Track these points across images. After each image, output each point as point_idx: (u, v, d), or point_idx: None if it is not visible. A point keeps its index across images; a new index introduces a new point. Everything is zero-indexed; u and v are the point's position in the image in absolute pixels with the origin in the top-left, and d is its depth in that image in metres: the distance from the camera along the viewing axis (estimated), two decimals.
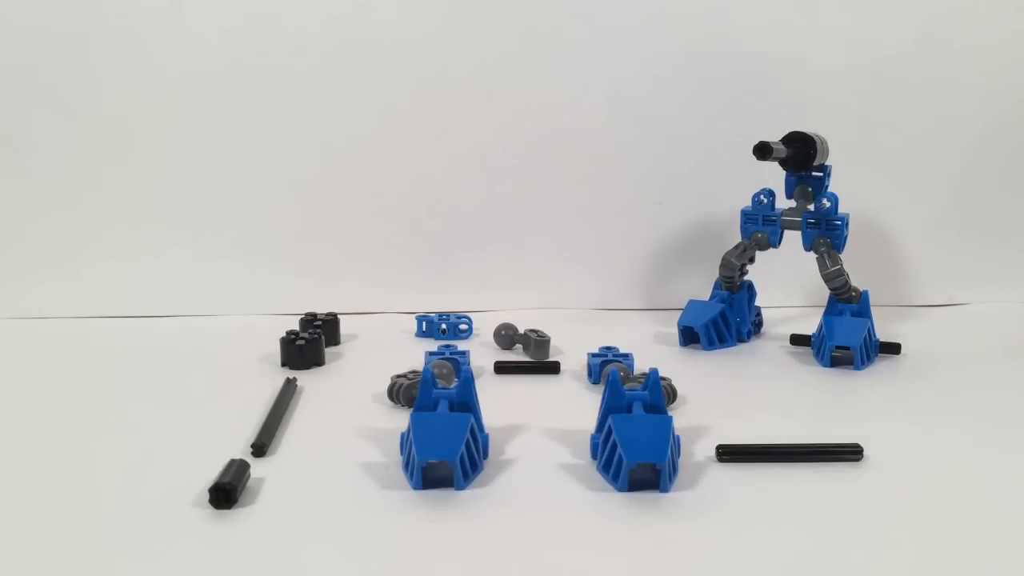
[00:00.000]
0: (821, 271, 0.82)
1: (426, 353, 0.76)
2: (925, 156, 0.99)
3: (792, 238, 0.84)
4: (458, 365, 0.73)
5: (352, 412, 0.67)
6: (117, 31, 0.92)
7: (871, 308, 0.82)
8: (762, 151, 0.76)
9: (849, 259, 0.83)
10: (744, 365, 0.81)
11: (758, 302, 0.90)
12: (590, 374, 0.75)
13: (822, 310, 0.83)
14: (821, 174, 0.82)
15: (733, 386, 0.76)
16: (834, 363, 0.79)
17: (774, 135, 0.80)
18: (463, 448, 0.54)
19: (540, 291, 0.99)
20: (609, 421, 0.56)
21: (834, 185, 0.83)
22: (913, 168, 1.00)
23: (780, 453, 0.58)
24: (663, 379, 0.68)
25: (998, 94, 0.98)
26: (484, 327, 0.88)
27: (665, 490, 0.53)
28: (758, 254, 0.87)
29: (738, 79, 0.96)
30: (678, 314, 0.87)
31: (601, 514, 0.51)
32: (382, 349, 0.85)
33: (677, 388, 0.70)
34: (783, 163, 0.80)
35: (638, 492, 0.53)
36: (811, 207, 0.82)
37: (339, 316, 0.87)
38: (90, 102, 0.93)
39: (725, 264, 0.86)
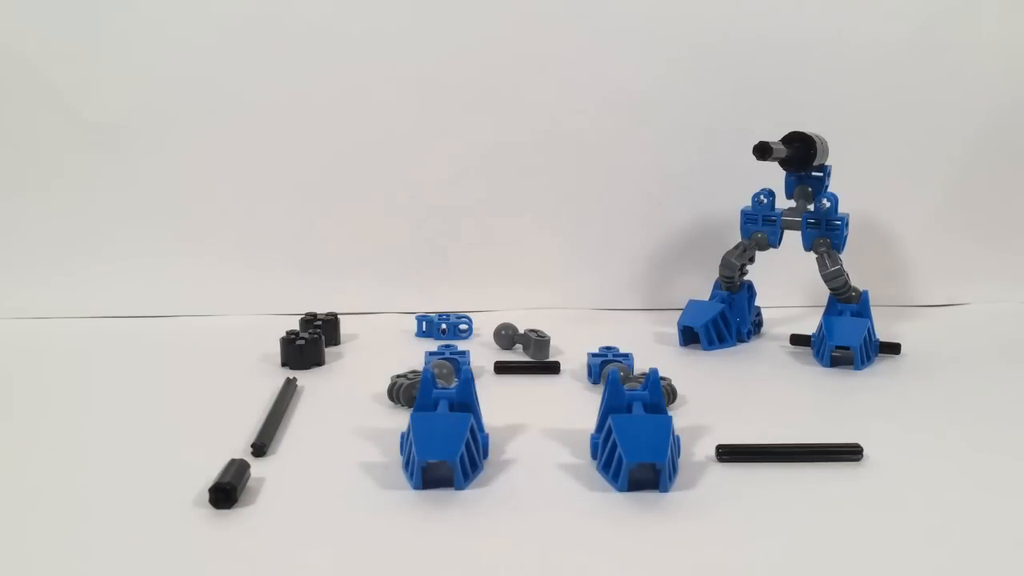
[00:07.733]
0: (821, 271, 0.82)
1: (426, 353, 0.76)
2: (924, 156, 0.99)
3: (792, 238, 0.84)
4: (458, 365, 0.73)
5: (352, 412, 0.67)
6: (117, 31, 0.92)
7: (871, 308, 0.82)
8: (762, 151, 0.76)
9: (849, 259, 0.83)
10: (744, 365, 0.81)
11: (758, 302, 0.90)
12: (590, 374, 0.75)
13: (822, 310, 0.83)
14: (821, 174, 0.82)
15: (733, 386, 0.76)
16: (834, 363, 0.79)
17: (774, 135, 0.80)
18: (463, 448, 0.54)
19: (540, 291, 0.99)
20: (609, 421, 0.56)
21: (834, 185, 0.83)
22: (912, 168, 0.99)
23: (780, 453, 0.58)
24: (663, 379, 0.68)
25: (998, 94, 0.98)
26: (484, 327, 0.88)
27: (665, 490, 0.53)
28: (758, 254, 0.87)
29: (738, 78, 0.96)
30: (678, 314, 0.87)
31: (601, 514, 0.51)
32: (382, 349, 0.85)
33: (677, 388, 0.70)
34: (783, 163, 0.80)
35: (638, 492, 0.53)
36: (811, 207, 0.82)
37: (339, 316, 0.88)
38: (90, 102, 0.93)
39: (725, 264, 0.86)
